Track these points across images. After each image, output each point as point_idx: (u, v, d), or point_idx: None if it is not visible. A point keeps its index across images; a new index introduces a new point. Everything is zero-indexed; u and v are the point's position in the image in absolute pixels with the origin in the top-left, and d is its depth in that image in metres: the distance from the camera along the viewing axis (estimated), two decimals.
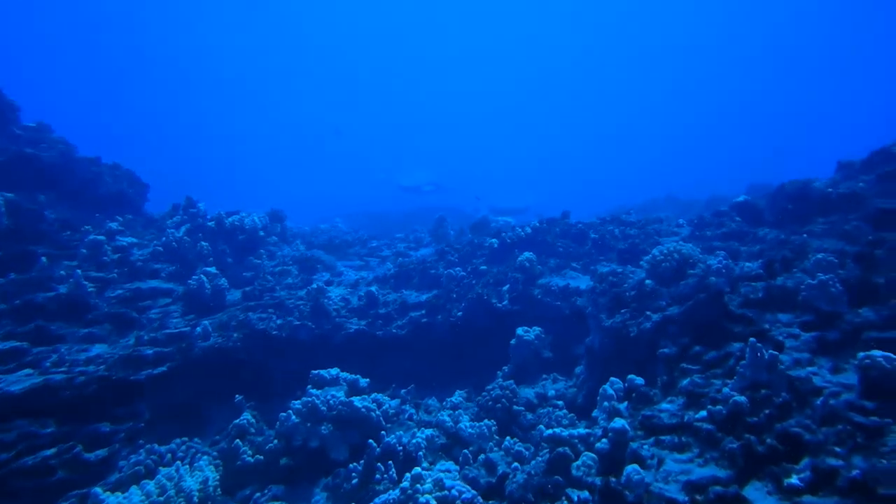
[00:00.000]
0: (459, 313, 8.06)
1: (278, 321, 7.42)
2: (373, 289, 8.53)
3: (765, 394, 3.70)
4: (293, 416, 5.07)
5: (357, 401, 5.26)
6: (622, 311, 5.58)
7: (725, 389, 3.88)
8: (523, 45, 71.90)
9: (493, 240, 10.28)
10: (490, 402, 5.32)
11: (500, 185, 33.62)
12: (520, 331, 7.04)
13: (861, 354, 3.59)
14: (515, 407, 5.33)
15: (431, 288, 9.30)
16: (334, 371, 5.97)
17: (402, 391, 6.99)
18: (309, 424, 5.12)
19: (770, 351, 3.83)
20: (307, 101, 73.55)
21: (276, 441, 4.99)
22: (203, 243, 9.09)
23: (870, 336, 4.23)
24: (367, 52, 74.72)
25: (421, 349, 8.19)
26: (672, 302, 5.33)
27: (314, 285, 8.67)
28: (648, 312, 5.31)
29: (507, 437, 4.81)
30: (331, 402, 5.22)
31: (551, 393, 5.89)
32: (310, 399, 5.19)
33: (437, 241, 13.44)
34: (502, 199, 26.07)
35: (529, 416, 5.33)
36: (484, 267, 9.29)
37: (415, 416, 5.89)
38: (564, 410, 5.50)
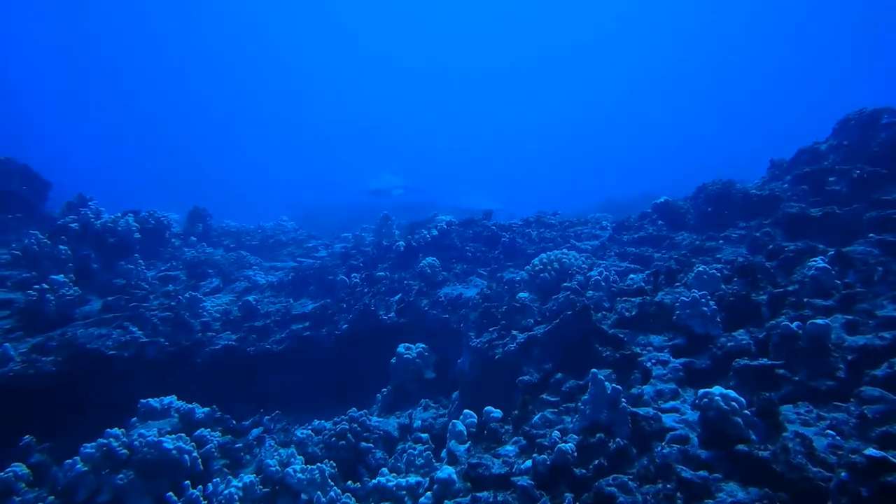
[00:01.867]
0: (345, 326, 7.40)
1: (123, 338, 6.57)
2: (250, 298, 7.78)
3: (599, 439, 3.18)
4: (79, 464, 4.29)
5: (168, 441, 4.52)
6: (491, 329, 5.04)
7: (555, 433, 3.36)
8: (502, 40, 71.75)
9: (400, 243, 9.67)
10: (334, 439, 4.68)
11: (477, 184, 33.41)
12: (401, 348, 6.43)
13: (701, 392, 3.12)
14: (364, 444, 4.70)
15: (327, 296, 8.62)
16: (167, 399, 5.22)
17: (266, 418, 6.28)
18: (104, 472, 4.36)
19: (613, 385, 3.33)
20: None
21: (50, 499, 4.20)
22: (62, 247, 8.10)
23: (740, 364, 3.81)
24: (351, 52, 73.97)
25: (304, 366, 7.51)
26: (543, 319, 4.82)
27: (187, 294, 7.84)
28: (515, 332, 4.78)
29: (334, 489, 4.17)
30: (135, 443, 4.47)
31: (417, 423, 5.29)
32: (105, 441, 4.41)
33: (377, 240, 12.80)
34: (476, 200, 25.83)
35: (379, 454, 4.71)
36: (381, 273, 8.65)
37: (270, 450, 5.18)
38: (427, 445, 4.91)
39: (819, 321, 3.64)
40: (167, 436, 4.61)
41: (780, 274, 4.90)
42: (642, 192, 23.54)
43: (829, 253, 4.81)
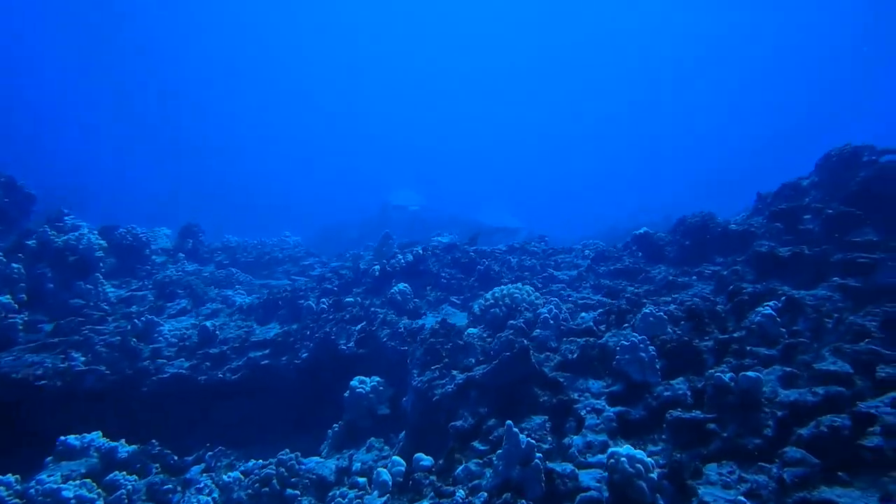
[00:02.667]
0: (305, 355, 7.38)
1: (60, 366, 6.57)
2: (208, 323, 7.78)
3: (504, 500, 3.11)
4: None
5: (69, 489, 4.42)
6: (434, 367, 4.99)
7: (460, 492, 3.29)
8: (528, 59, 72.85)
9: (376, 267, 9.69)
10: (258, 485, 4.61)
11: (503, 199, 33.96)
12: (354, 381, 6.38)
13: (610, 450, 3.06)
14: (290, 491, 4.62)
15: (296, 321, 8.62)
16: (90, 436, 5.18)
17: (209, 454, 6.22)
18: None
19: (528, 440, 3.27)
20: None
21: None
22: (15, 266, 8.20)
23: (672, 416, 3.73)
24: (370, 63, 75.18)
25: (262, 397, 7.46)
26: (485, 359, 4.77)
27: (143, 318, 7.88)
28: (455, 372, 4.73)
29: None
30: (31, 491, 4.38)
31: (356, 466, 5.20)
32: None
33: (378, 260, 12.94)
34: (498, 216, 25.83)
35: (306, 502, 4.63)
36: (351, 299, 8.65)
37: (192, 496, 5.12)
38: (362, 492, 4.82)
39: (751, 374, 3.57)
40: (72, 482, 4.51)
41: (733, 318, 4.84)
42: (664, 215, 23.41)
43: (784, 298, 4.74)
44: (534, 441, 3.29)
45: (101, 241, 9.60)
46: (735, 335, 4.36)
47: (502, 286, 5.81)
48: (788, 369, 3.83)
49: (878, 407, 3.33)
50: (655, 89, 66.58)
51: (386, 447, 5.56)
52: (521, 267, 9.54)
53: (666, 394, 3.90)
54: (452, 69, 74.79)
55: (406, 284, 8.57)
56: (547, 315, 4.90)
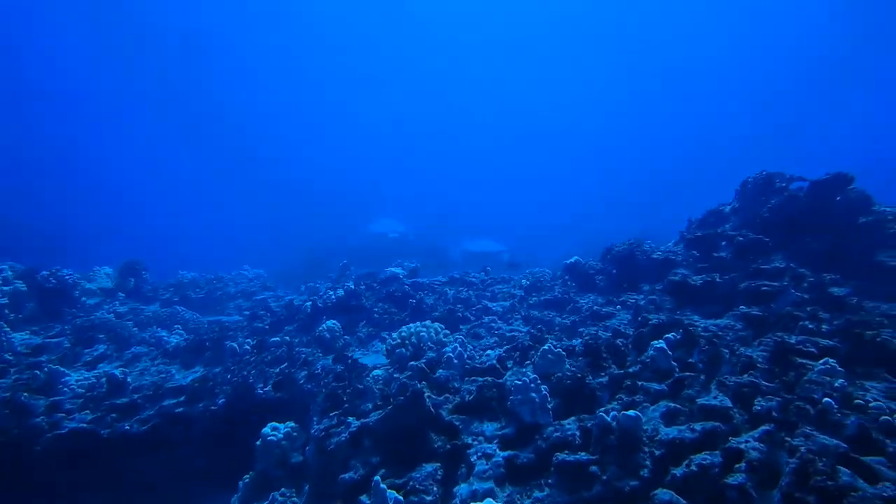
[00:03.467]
0: (222, 401, 7.10)
1: None
2: (117, 371, 7.42)
3: None
4: None
5: None
6: (332, 413, 4.86)
7: None
8: (515, 78, 73.95)
9: (308, 303, 9.53)
10: None
11: (483, 226, 34.32)
12: (267, 428, 6.13)
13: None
14: None
15: (220, 364, 8.33)
16: None
17: None
18: None
19: (395, 495, 3.17)
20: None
21: None
22: None
23: (559, 459, 3.71)
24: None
25: (177, 449, 7.10)
26: (383, 404, 4.67)
27: (46, 368, 7.46)
28: (351, 418, 4.61)
29: None
30: None
31: None
32: None
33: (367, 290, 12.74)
34: (481, 242, 25.99)
35: None
36: (276, 338, 8.44)
37: None
38: None
39: (630, 413, 3.60)
40: None
41: (635, 351, 4.91)
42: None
43: (681, 330, 4.85)
44: (420, 491, 3.19)
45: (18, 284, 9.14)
46: (630, 370, 4.40)
47: (410, 325, 5.76)
48: (673, 405, 3.88)
49: (746, 442, 3.38)
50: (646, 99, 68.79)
51: (295, 499, 5.33)
52: (457, 299, 9.55)
53: (556, 435, 3.88)
54: (446, 79, 75.50)
55: (335, 321, 8.43)
56: (451, 354, 4.87)
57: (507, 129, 72.37)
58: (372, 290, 10.33)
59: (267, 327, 9.68)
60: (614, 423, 3.62)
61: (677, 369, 4.28)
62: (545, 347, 4.59)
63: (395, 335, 5.59)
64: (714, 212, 8.62)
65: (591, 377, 4.34)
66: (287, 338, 8.70)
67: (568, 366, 4.55)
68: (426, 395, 4.34)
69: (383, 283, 11.06)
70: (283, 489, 5.82)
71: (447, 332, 5.82)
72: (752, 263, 6.38)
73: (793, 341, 4.41)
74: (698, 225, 8.77)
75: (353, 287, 9.47)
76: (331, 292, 9.52)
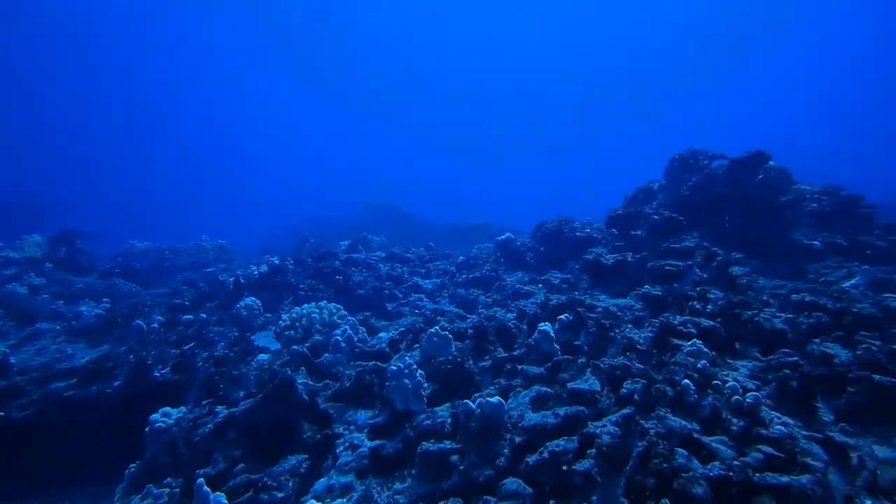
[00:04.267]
0: (118, 383, 6.81)
1: None
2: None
3: None
4: None
5: None
6: (205, 402, 4.69)
7: None
8: (506, 53, 74.82)
9: (231, 279, 9.20)
10: None
11: (472, 200, 34.88)
12: (156, 415, 5.91)
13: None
14: None
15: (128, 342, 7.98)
16: None
17: None
18: None
19: (213, 494, 3.06)
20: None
21: None
22: None
23: (422, 449, 3.66)
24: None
25: (66, 437, 6.80)
26: (256, 392, 4.52)
27: None
28: (220, 408, 4.46)
29: None
30: None
31: None
32: None
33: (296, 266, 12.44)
34: (468, 215, 26.79)
35: None
36: (189, 316, 8.13)
37: None
38: None
39: (493, 400, 3.57)
40: None
41: (528, 333, 4.89)
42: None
43: (573, 311, 4.84)
44: (272, 488, 3.09)
45: None
46: (515, 353, 4.38)
47: (304, 305, 5.58)
48: (545, 389, 3.87)
49: (603, 427, 3.40)
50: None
51: (176, 490, 5.17)
52: (389, 276, 9.40)
53: (426, 423, 3.83)
54: (455, 66, 76.31)
55: (254, 299, 8.16)
56: (340, 337, 4.73)
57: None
58: (303, 265, 10.06)
59: (187, 303, 9.32)
60: (478, 411, 3.58)
61: (559, 352, 4.27)
62: (431, 330, 4.51)
63: (284, 317, 5.41)
64: (644, 189, 8.68)
65: (472, 361, 4.29)
66: (204, 315, 8.40)
67: (454, 349, 4.49)
68: (300, 382, 4.20)
69: (319, 258, 10.80)
70: (168, 479, 5.66)
71: (344, 313, 5.67)
72: (664, 242, 6.44)
73: (675, 322, 4.45)
74: (628, 202, 8.83)
75: (277, 263, 9.18)
76: (254, 267, 9.20)
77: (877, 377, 3.54)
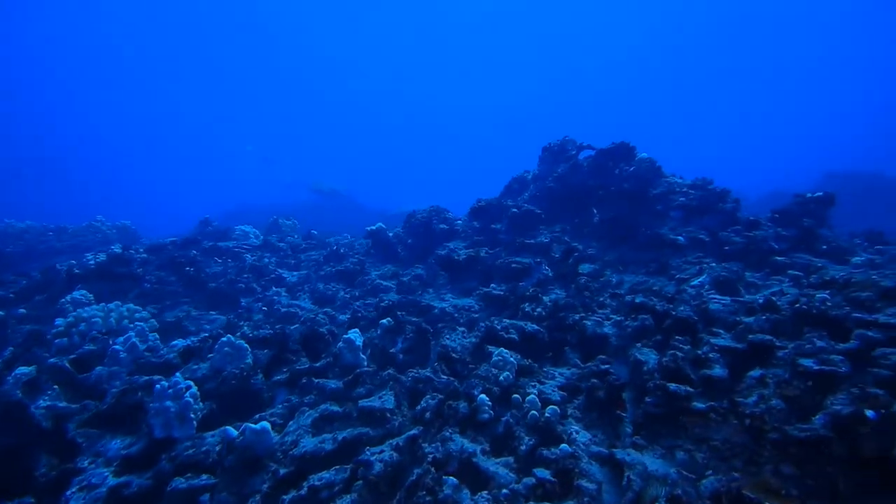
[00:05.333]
0: None
1: None
2: None
3: None
4: None
5: None
6: None
7: None
8: (441, 48, 74.44)
9: (64, 268, 8.07)
10: None
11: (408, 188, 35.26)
12: None
13: None
14: None
15: None
16: None
17: None
18: None
19: None
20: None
21: None
22: None
23: (173, 487, 3.15)
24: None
25: None
26: None
27: None
28: None
29: None
30: None
31: None
32: None
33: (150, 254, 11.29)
34: (404, 202, 26.80)
35: None
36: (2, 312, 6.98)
37: None
38: None
39: (256, 426, 3.13)
40: None
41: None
42: None
43: (396, 314, 4.51)
44: None
45: None
46: (318, 364, 3.95)
47: (88, 308, 4.84)
48: (334, 409, 3.48)
49: (381, 452, 3.07)
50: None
51: None
52: (253, 268, 8.68)
53: (188, 453, 3.31)
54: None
55: (85, 292, 7.13)
56: (119, 347, 4.07)
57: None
58: (160, 253, 9.08)
59: (11, 296, 8.03)
60: (239, 438, 3.13)
61: (365, 363, 3.90)
62: (224, 339, 3.98)
63: (59, 321, 4.64)
64: (518, 178, 8.56)
65: (262, 375, 3.82)
66: (23, 310, 7.25)
67: (250, 360, 4.00)
68: (45, 405, 3.53)
69: (182, 245, 9.81)
70: None
71: (145, 314, 4.98)
72: (520, 237, 6.29)
73: (499, 327, 4.24)
74: (504, 192, 8.69)
75: (119, 251, 8.14)
76: (89, 256, 8.11)
77: (672, 386, 3.49)
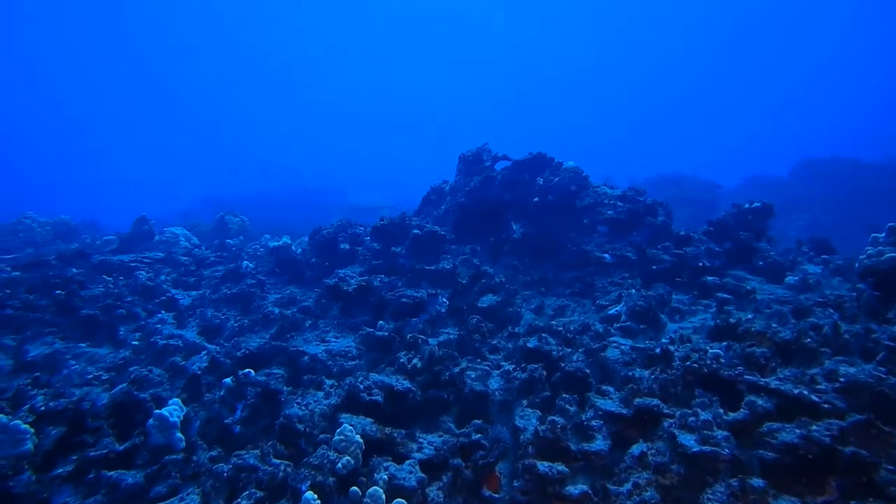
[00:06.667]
0: None
1: None
2: None
3: None
4: None
5: None
6: None
7: None
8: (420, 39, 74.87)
9: None
10: None
11: (380, 181, 35.67)
12: None
13: None
14: None
15: None
16: None
17: None
18: None
19: None
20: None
21: None
22: None
23: None
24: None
25: None
26: None
27: None
28: None
29: None
30: None
31: None
32: None
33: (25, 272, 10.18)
34: (368, 196, 27.47)
35: None
36: None
37: None
38: None
39: None
40: None
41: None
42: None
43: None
44: None
45: None
46: (121, 448, 3.31)
47: None
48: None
49: None
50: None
51: None
52: (144, 288, 7.88)
53: None
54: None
55: None
56: None
57: None
58: (35, 270, 8.17)
59: None
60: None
61: (181, 443, 3.28)
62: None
63: None
64: (436, 189, 8.02)
65: (27, 473, 3.15)
66: None
67: (30, 446, 3.30)
68: None
69: (71, 258, 8.89)
70: None
71: None
72: (420, 262, 5.75)
73: (361, 387, 3.69)
74: (421, 203, 8.13)
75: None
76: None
77: (542, 466, 3.02)
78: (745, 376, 3.29)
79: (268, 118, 70.77)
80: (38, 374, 4.30)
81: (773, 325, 3.79)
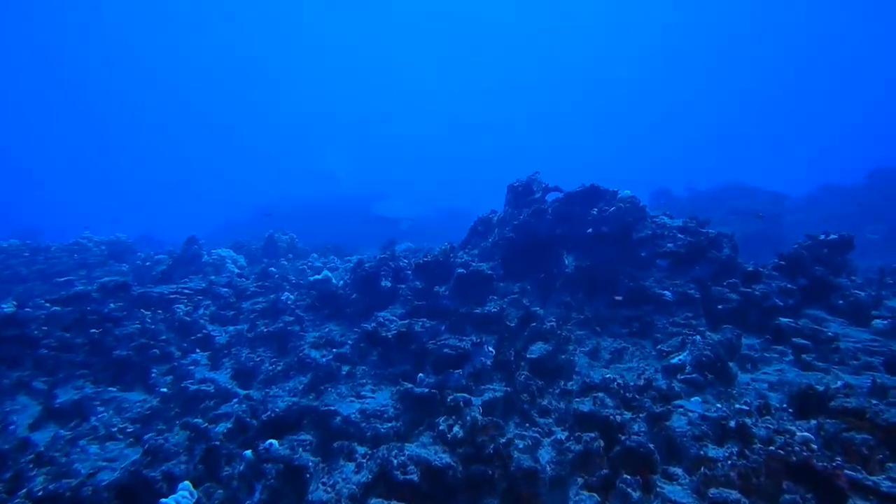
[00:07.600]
0: None
1: None
2: None
3: None
4: None
5: None
6: None
7: None
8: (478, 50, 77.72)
9: None
10: None
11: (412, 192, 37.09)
12: None
13: None
14: None
15: None
16: None
17: None
18: None
19: None
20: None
21: None
22: None
23: None
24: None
25: None
26: None
27: None
28: None
29: None
30: None
31: None
32: None
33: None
34: (389, 204, 28.27)
35: None
36: None
37: None
38: None
39: None
40: None
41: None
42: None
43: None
44: None
45: None
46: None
47: None
48: None
49: None
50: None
51: None
52: (181, 323, 7.99)
53: None
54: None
55: None
56: None
57: None
58: (75, 304, 8.41)
59: None
60: None
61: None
62: None
63: None
64: (483, 219, 7.75)
65: None
66: None
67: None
68: None
69: (111, 290, 9.13)
70: None
71: None
72: (465, 305, 5.48)
73: (395, 462, 3.45)
74: (469, 234, 7.88)
75: (9, 311, 7.45)
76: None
77: None
78: (846, 472, 2.81)
79: (309, 125, 74.86)
80: (41, 449, 4.24)
81: (874, 403, 3.27)
